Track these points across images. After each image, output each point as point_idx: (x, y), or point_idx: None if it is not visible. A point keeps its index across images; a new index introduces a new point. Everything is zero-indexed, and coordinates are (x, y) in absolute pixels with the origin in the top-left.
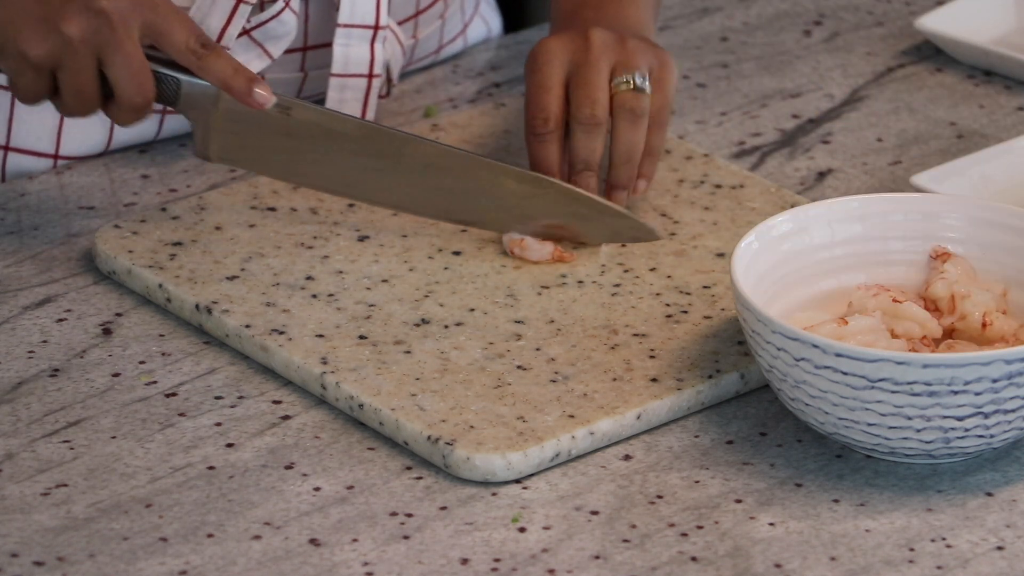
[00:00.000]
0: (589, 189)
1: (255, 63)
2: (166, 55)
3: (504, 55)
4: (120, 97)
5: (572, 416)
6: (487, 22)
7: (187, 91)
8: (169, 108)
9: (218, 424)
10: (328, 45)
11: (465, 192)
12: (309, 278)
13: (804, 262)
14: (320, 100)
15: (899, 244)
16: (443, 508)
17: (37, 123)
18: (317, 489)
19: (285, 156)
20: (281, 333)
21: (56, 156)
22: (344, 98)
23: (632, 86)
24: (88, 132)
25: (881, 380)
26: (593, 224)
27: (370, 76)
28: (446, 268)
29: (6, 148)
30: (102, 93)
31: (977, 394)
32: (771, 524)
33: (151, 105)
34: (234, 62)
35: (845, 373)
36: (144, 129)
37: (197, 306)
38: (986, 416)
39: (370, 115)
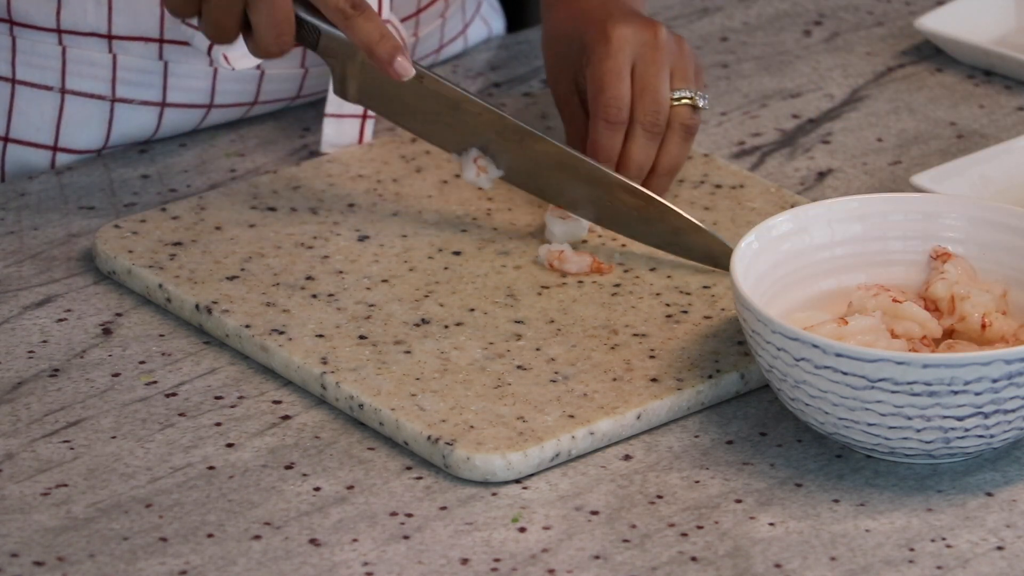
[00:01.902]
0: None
1: (254, 58)
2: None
3: (504, 55)
4: (258, 40)
5: (572, 416)
6: (488, 24)
7: (326, 42)
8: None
9: (218, 424)
10: None
11: (577, 194)
12: (309, 278)
13: (804, 262)
14: (322, 98)
15: (899, 244)
16: (443, 508)
17: (36, 115)
18: (317, 489)
19: (415, 115)
20: (281, 333)
21: (55, 148)
22: None
23: (692, 102)
24: (87, 124)
25: (881, 380)
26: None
27: None
28: (446, 268)
29: (5, 139)
30: (243, 27)
31: (977, 394)
32: (771, 524)
33: (287, 50)
34: (381, 27)
35: (845, 373)
36: (143, 123)
37: (197, 306)
38: (986, 416)
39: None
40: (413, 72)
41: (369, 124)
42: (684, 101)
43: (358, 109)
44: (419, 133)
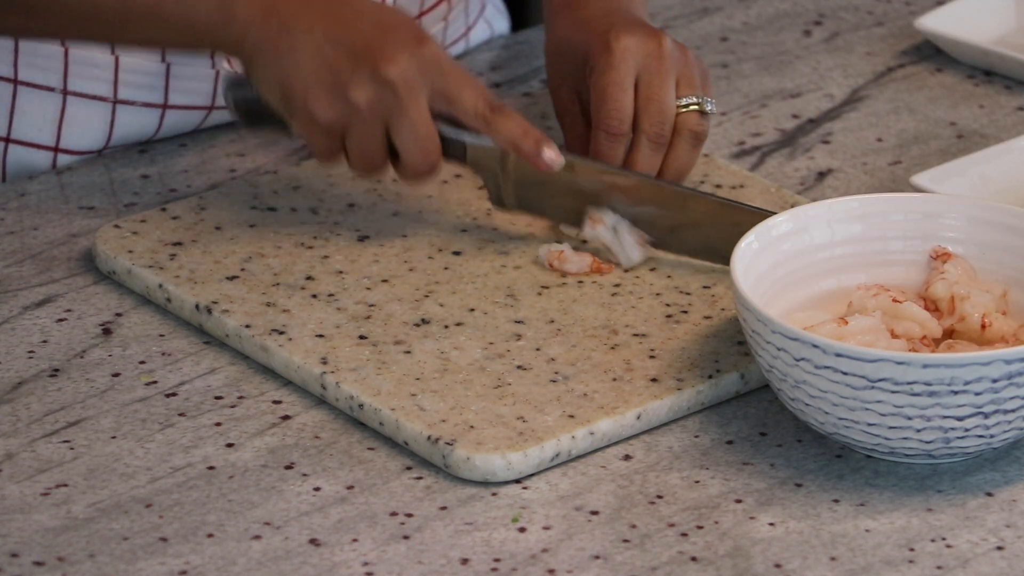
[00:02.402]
0: None
1: None
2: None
3: (505, 55)
4: (405, 162)
5: (572, 416)
6: (491, 25)
7: (473, 153)
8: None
9: (218, 424)
10: None
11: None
12: (309, 278)
13: (804, 262)
14: None
15: (899, 244)
16: (443, 508)
17: (38, 115)
18: (317, 489)
19: (574, 205)
20: (281, 333)
21: (56, 149)
22: None
23: (700, 109)
24: (89, 125)
25: (881, 380)
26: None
27: None
28: (446, 268)
29: (7, 140)
30: (389, 154)
31: (977, 394)
32: (771, 524)
33: (437, 170)
34: (523, 123)
35: (845, 373)
36: (145, 125)
37: (197, 306)
38: (986, 416)
39: None
40: (563, 162)
41: None
42: (692, 108)
43: None
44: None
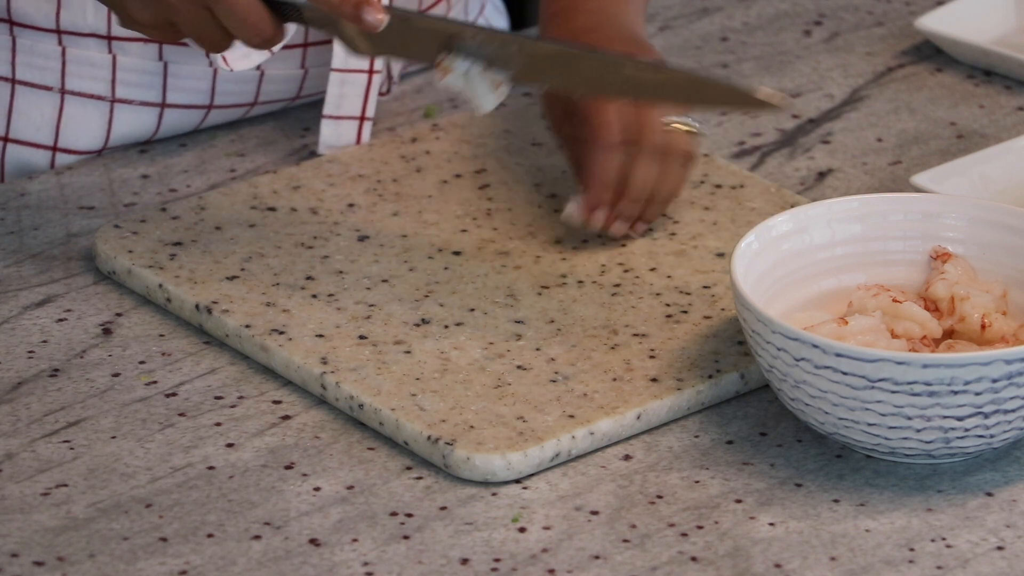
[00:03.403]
0: (636, 220)
1: (254, 57)
2: None
3: None
4: (242, 40)
5: (572, 416)
6: (491, 25)
7: (310, 14)
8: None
9: (218, 424)
10: (329, 42)
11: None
12: (309, 278)
13: (804, 262)
14: (320, 98)
15: (899, 244)
16: (443, 508)
17: (36, 115)
18: (317, 489)
19: (432, 46)
20: (281, 333)
21: (55, 148)
22: (344, 93)
23: (691, 128)
24: (87, 125)
25: (881, 380)
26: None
27: (370, 72)
28: (446, 268)
29: (5, 139)
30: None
31: (977, 394)
32: (771, 524)
33: (275, 38)
34: None
35: (845, 373)
36: (143, 124)
37: (197, 306)
38: (986, 416)
39: (370, 112)
40: (385, 20)
41: (367, 125)
42: (683, 127)
43: (356, 110)
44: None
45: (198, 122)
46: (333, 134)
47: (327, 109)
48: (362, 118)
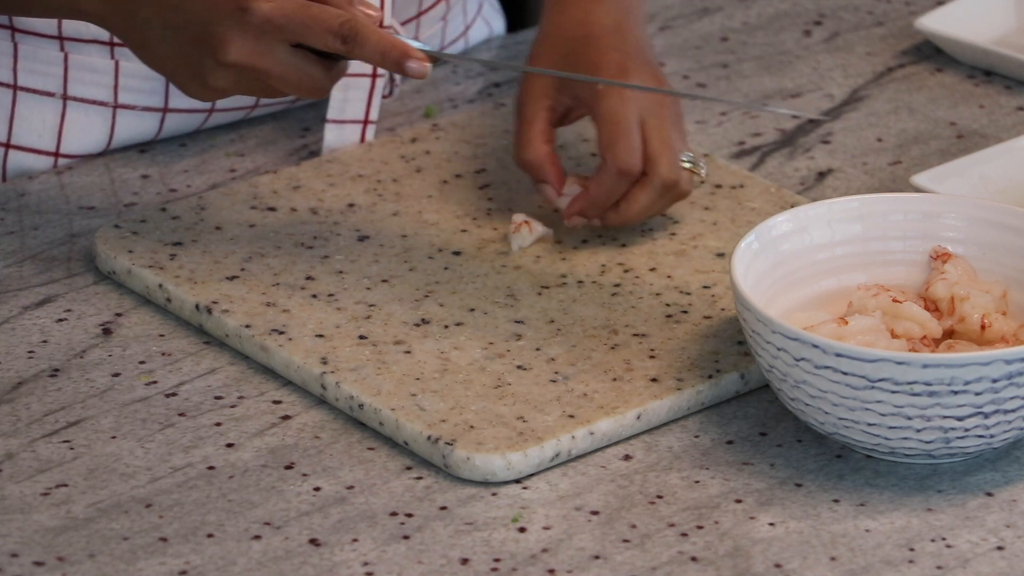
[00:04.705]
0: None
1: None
2: None
3: (504, 55)
4: (301, 95)
5: (572, 416)
6: (489, 24)
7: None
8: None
9: (218, 424)
10: None
11: None
12: (309, 278)
13: (804, 262)
14: (322, 99)
15: (899, 244)
16: (443, 508)
17: (38, 121)
18: (317, 489)
19: None
20: (281, 333)
21: (57, 154)
22: (348, 97)
23: (698, 172)
24: (89, 130)
25: (881, 380)
26: None
27: (374, 76)
28: (446, 268)
29: (7, 145)
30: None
31: (977, 394)
32: (771, 524)
33: (327, 87)
34: (381, 42)
35: (845, 373)
36: (145, 128)
37: (197, 306)
38: (986, 416)
39: (373, 115)
40: (429, 67)
41: (371, 129)
42: (687, 167)
43: (359, 114)
44: None
45: (199, 125)
46: (337, 138)
47: (331, 113)
48: (365, 121)
